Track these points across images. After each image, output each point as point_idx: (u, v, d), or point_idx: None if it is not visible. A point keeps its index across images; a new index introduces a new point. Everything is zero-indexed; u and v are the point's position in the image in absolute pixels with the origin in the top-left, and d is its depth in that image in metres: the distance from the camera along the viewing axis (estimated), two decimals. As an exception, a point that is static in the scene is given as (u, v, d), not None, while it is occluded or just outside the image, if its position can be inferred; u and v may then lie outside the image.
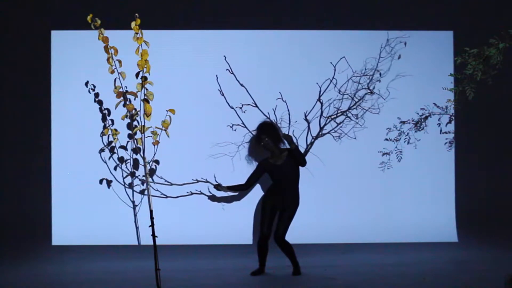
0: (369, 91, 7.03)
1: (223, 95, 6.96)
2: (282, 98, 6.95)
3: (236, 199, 7.14)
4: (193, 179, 6.70)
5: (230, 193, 6.87)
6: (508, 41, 5.14)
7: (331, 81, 7.04)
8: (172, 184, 6.75)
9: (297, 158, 6.22)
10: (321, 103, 7.02)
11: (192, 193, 6.76)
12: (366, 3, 7.42)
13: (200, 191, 6.79)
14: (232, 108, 6.97)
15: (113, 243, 7.17)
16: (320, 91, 7.04)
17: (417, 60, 7.40)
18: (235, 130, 7.02)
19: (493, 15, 7.46)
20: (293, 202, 6.26)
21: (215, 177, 6.66)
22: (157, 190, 6.81)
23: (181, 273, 6.26)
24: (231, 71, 6.93)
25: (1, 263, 6.70)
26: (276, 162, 6.30)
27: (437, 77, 7.20)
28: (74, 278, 6.12)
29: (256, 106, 6.95)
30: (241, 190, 6.67)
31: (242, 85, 6.94)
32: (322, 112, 7.02)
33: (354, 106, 7.05)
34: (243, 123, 6.97)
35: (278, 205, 6.28)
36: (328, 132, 7.04)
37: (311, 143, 6.97)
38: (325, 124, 7.01)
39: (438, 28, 7.47)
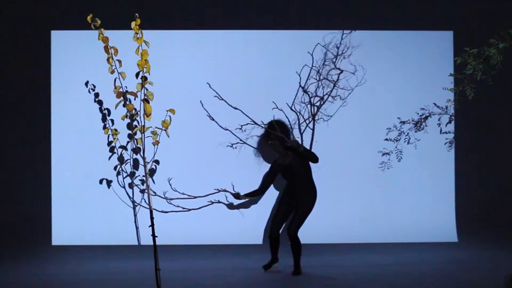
0: (337, 69, 7.01)
1: (213, 119, 6.98)
2: (277, 107, 6.93)
3: (254, 203, 7.14)
4: (215, 189, 6.63)
5: (245, 200, 6.87)
6: (508, 41, 5.14)
7: (311, 68, 7.01)
8: (196, 197, 6.65)
9: (309, 159, 6.33)
10: (305, 91, 6.99)
11: (212, 202, 6.69)
12: (365, 3, 7.42)
13: (218, 200, 6.74)
14: (228, 130, 6.98)
15: (113, 243, 7.17)
16: (300, 80, 7.01)
17: (417, 60, 7.40)
18: (235, 148, 7.03)
19: (493, 15, 7.46)
20: (308, 198, 6.31)
21: (233, 186, 6.62)
22: (178, 206, 6.70)
23: (181, 273, 6.26)
24: (220, 97, 6.89)
25: (1, 263, 6.70)
26: (284, 161, 6.38)
27: (437, 77, 7.20)
28: (74, 278, 6.12)
29: (255, 123, 6.90)
30: (258, 195, 6.69)
31: (235, 108, 6.90)
32: (310, 99, 6.99)
33: (331, 88, 7.01)
34: (244, 141, 6.99)
35: (294, 203, 6.33)
36: (315, 114, 6.98)
37: (312, 137, 6.94)
38: (317, 109, 6.97)
39: (438, 28, 7.47)
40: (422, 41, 7.42)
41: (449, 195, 7.46)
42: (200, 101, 6.95)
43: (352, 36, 7.22)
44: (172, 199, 6.52)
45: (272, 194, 7.13)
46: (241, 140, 7.02)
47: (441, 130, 6.71)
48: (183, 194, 6.57)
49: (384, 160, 6.89)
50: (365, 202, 7.37)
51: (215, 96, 6.89)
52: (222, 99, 6.88)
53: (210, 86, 6.89)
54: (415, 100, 7.13)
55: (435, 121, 6.69)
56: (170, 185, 6.59)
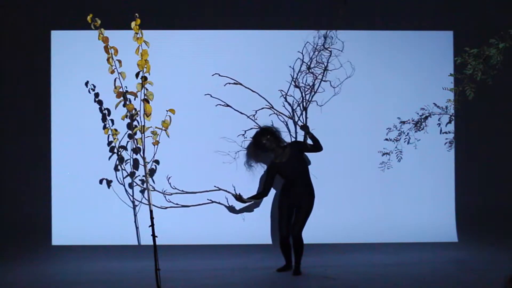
0: (327, 50, 6.99)
1: (228, 105, 6.90)
2: (284, 95, 6.95)
3: (257, 206, 7.13)
4: (215, 186, 6.60)
5: (248, 203, 6.85)
6: (508, 41, 5.15)
7: (302, 61, 7.01)
8: (194, 193, 6.63)
9: (315, 144, 6.47)
10: (297, 86, 6.99)
11: (212, 202, 6.67)
12: (366, 3, 7.42)
13: (219, 202, 6.72)
14: (244, 114, 6.91)
15: (113, 243, 7.17)
16: (292, 75, 7.02)
17: (417, 60, 7.40)
18: (246, 137, 6.99)
19: (493, 15, 7.46)
20: (308, 197, 6.31)
21: (234, 188, 6.59)
22: (177, 204, 6.67)
23: (181, 273, 6.26)
24: (236, 81, 6.88)
25: (1, 263, 6.70)
26: (282, 159, 6.35)
27: (437, 77, 7.20)
28: (74, 278, 6.12)
29: (272, 107, 6.89)
30: (260, 198, 6.66)
31: (253, 91, 6.87)
32: (302, 94, 6.98)
33: (322, 72, 6.99)
34: (259, 126, 6.89)
35: (294, 203, 6.31)
36: (310, 101, 6.96)
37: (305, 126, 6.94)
38: (310, 98, 6.96)
39: (438, 28, 7.47)
40: (422, 41, 7.42)
41: (449, 195, 7.46)
42: (210, 94, 6.89)
43: (352, 36, 7.20)
44: (170, 194, 6.52)
45: (270, 194, 7.13)
46: (256, 124, 6.91)
47: (441, 130, 6.73)
48: (182, 191, 6.57)
49: (384, 160, 6.90)
50: (365, 202, 7.37)
51: (228, 83, 6.86)
52: (238, 83, 6.87)
53: (212, 96, 6.88)
54: (415, 100, 7.14)
55: (435, 121, 6.71)
56: (170, 183, 6.58)
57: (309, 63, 6.99)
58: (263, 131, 6.45)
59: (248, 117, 6.89)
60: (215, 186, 6.54)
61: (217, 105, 6.90)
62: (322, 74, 6.95)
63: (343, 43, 7.03)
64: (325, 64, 6.95)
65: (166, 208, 6.54)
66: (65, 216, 7.22)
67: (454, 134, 7.15)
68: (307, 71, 7.00)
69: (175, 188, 6.55)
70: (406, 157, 6.92)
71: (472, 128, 7.57)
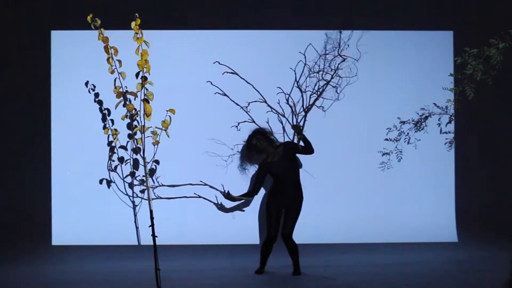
0: (340, 56, 7.03)
1: (225, 95, 6.94)
2: (283, 92, 6.96)
3: (246, 205, 7.12)
4: (201, 181, 6.59)
5: (237, 202, 6.84)
6: (508, 41, 5.14)
7: (305, 64, 7.03)
8: (179, 186, 6.62)
9: (307, 147, 6.41)
10: (300, 88, 7.00)
11: (199, 196, 6.66)
12: (366, 3, 7.42)
13: (206, 198, 6.71)
14: (238, 105, 6.91)
15: (113, 243, 7.17)
16: (295, 77, 7.04)
17: (417, 60, 7.40)
18: (239, 130, 6.96)
19: (493, 15, 7.46)
20: (297, 198, 6.28)
21: (223, 186, 6.58)
22: (168, 198, 6.68)
23: (181, 273, 6.26)
24: (233, 71, 6.90)
25: (1, 263, 6.70)
26: (273, 159, 6.34)
27: (437, 77, 7.20)
28: (74, 278, 6.12)
29: (265, 101, 6.91)
30: (250, 197, 6.65)
31: (248, 82, 6.90)
32: (302, 96, 7.00)
33: (333, 76, 7.02)
34: (252, 120, 6.89)
35: (283, 204, 6.28)
36: (313, 104, 6.99)
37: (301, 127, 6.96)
38: (315, 100, 6.98)
39: (438, 28, 7.47)
40: (422, 41, 7.42)
41: (449, 195, 7.46)
42: (210, 82, 6.89)
43: (352, 36, 7.21)
44: (155, 187, 6.54)
45: (260, 193, 7.12)
46: (250, 117, 6.89)
47: (441, 130, 6.71)
48: (163, 184, 6.59)
49: (384, 160, 6.89)
50: (365, 202, 7.36)
51: (225, 72, 6.88)
52: (234, 73, 6.89)
53: (212, 83, 6.90)
54: (415, 100, 7.13)
55: (435, 121, 6.70)
56: (158, 182, 6.59)
57: (313, 67, 7.03)
58: (253, 132, 6.48)
59: (241, 107, 6.88)
60: (200, 181, 6.55)
61: (216, 93, 6.89)
62: (331, 79, 6.99)
63: (360, 53, 7.06)
64: (335, 69, 7.00)
65: (152, 199, 6.55)
66: (65, 216, 7.22)
67: (454, 134, 7.14)
68: (312, 74, 7.03)
69: (162, 185, 6.57)
70: (406, 157, 6.91)
71: (472, 128, 7.57)
